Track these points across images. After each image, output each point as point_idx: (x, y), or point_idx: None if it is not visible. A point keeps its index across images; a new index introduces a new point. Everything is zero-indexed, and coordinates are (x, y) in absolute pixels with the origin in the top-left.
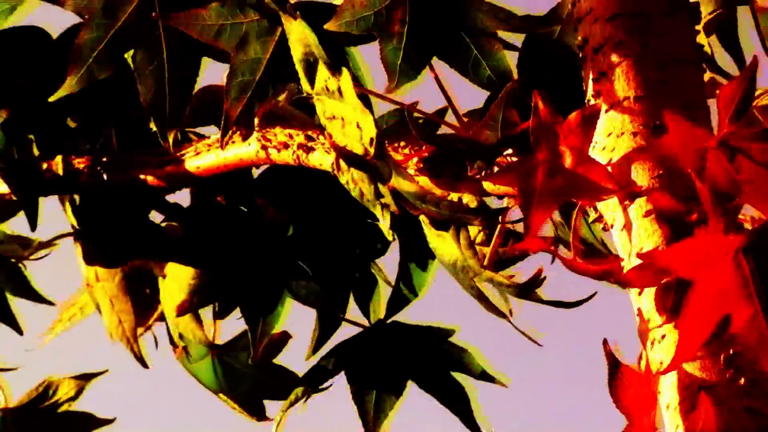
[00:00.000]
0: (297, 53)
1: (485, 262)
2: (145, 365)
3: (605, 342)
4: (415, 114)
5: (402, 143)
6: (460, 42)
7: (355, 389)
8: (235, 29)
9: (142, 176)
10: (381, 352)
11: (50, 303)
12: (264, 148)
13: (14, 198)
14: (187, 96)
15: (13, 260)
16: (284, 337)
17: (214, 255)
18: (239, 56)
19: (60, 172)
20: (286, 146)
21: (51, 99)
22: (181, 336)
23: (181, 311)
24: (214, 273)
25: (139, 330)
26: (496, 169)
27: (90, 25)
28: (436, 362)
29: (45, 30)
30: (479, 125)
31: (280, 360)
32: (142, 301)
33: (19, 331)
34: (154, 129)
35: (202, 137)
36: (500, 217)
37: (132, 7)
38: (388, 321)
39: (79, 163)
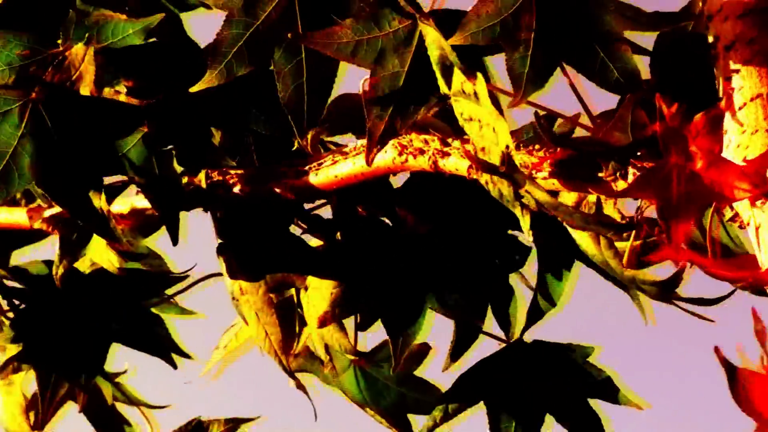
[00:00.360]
0: (433, 56)
1: (624, 262)
2: (293, 377)
3: (717, 348)
4: (542, 112)
5: (536, 146)
6: (587, 46)
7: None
8: (372, 45)
9: (281, 188)
10: (520, 375)
11: (188, 356)
12: (400, 154)
13: (156, 213)
14: (324, 96)
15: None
16: (424, 349)
17: (355, 266)
18: (378, 71)
19: (203, 185)
20: (422, 152)
21: (192, 90)
22: (327, 349)
23: (323, 323)
24: (355, 284)
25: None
26: (630, 170)
27: (231, 22)
28: (575, 389)
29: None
30: (609, 127)
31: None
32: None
33: (173, 365)
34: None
35: (340, 147)
36: (636, 217)
37: (272, 6)
38: (529, 339)
39: (219, 176)
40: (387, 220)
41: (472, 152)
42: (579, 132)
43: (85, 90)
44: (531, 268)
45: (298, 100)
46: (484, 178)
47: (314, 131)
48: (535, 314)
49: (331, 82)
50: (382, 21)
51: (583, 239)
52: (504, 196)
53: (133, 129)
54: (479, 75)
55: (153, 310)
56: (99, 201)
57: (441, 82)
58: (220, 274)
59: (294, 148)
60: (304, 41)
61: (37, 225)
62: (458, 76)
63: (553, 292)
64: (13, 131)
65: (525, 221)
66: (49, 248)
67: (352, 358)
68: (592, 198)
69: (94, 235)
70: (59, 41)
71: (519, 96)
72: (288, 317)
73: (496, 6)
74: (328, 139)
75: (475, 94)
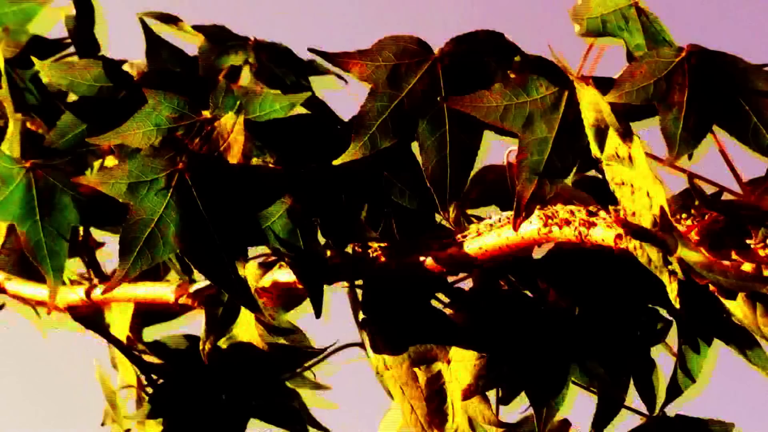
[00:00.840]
0: (588, 118)
1: None
2: None
3: None
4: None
5: (683, 215)
6: (740, 109)
7: None
8: (520, 110)
9: (425, 260)
10: None
11: (326, 430)
12: (546, 225)
13: (298, 287)
14: (467, 169)
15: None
16: (565, 426)
17: (498, 339)
18: (526, 136)
19: (347, 258)
20: (567, 223)
21: (335, 162)
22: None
23: (467, 395)
24: (498, 356)
25: None
26: None
27: (375, 94)
28: None
29: (335, 113)
30: (761, 191)
31: None
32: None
33: None
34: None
35: (481, 219)
36: None
37: (416, 79)
38: (672, 414)
39: (361, 248)
40: (529, 293)
41: (622, 216)
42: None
43: (233, 160)
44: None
45: (442, 173)
46: (632, 243)
47: (457, 204)
48: (674, 389)
49: (474, 154)
50: (529, 87)
51: (737, 307)
52: (652, 261)
53: (278, 200)
54: (636, 138)
55: (288, 384)
56: (243, 271)
57: (593, 146)
58: (354, 345)
59: (438, 221)
60: (455, 104)
61: (182, 300)
62: (613, 139)
63: (692, 368)
64: (159, 199)
65: (672, 288)
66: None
67: (496, 431)
68: (746, 268)
69: (241, 312)
70: (208, 109)
71: (673, 154)
72: (434, 391)
73: (650, 68)
74: (472, 211)
75: (630, 157)
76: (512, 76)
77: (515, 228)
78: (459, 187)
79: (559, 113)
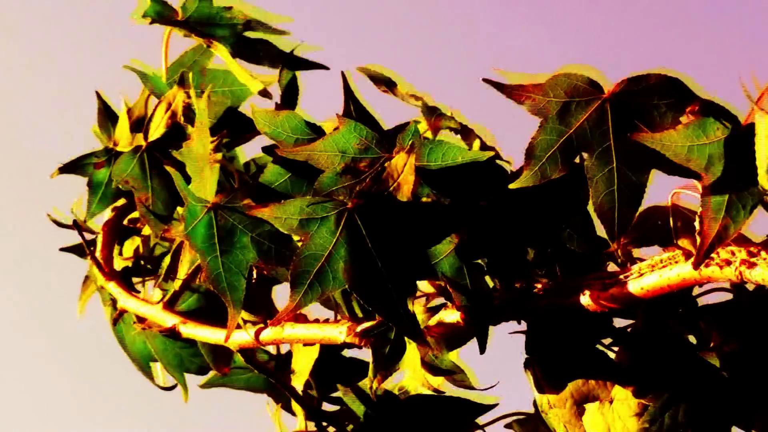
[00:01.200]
0: (763, 149)
1: None
2: None
3: None
4: None
5: None
6: None
7: None
8: (701, 151)
9: (588, 300)
10: None
11: None
12: (707, 265)
13: (462, 326)
14: (636, 204)
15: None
16: None
17: (659, 381)
18: (708, 177)
19: (516, 297)
20: (728, 263)
21: (511, 186)
22: None
23: None
24: (662, 397)
25: None
26: None
27: (545, 128)
28: None
29: (502, 162)
30: None
31: None
32: None
33: None
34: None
35: (641, 260)
36: None
37: (585, 117)
38: None
39: (526, 288)
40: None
41: None
42: None
43: (402, 199)
44: None
45: (610, 207)
46: None
47: (624, 240)
48: None
49: (642, 191)
50: (708, 129)
51: None
52: None
53: (446, 237)
54: None
55: None
56: (411, 306)
57: (763, 178)
58: (520, 414)
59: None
60: (643, 140)
61: (348, 339)
62: None
63: None
64: (329, 236)
65: None
66: None
67: None
68: None
69: (406, 354)
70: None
71: None
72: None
73: None
74: (634, 251)
75: None
76: (689, 118)
77: (696, 267)
78: (626, 221)
79: (735, 155)
